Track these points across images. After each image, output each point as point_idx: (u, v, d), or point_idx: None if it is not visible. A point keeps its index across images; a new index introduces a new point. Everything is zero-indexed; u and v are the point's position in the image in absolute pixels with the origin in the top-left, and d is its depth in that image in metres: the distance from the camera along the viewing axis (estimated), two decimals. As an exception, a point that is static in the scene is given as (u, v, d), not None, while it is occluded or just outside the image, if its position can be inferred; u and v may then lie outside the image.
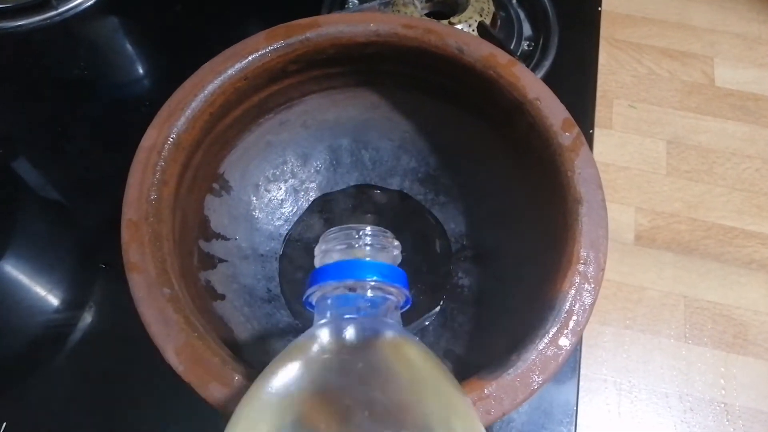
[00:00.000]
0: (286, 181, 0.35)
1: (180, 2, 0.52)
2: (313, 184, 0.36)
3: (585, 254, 0.25)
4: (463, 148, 0.35)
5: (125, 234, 0.26)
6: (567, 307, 0.24)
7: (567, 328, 0.24)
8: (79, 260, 0.39)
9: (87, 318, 0.37)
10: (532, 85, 0.30)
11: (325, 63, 0.34)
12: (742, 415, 0.42)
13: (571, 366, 0.35)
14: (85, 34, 0.51)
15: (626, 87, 0.58)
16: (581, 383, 0.42)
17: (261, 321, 0.30)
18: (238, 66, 0.31)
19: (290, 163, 0.35)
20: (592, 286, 0.25)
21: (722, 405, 0.42)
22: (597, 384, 0.42)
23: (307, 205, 0.35)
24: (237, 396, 0.22)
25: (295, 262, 0.33)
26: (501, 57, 0.31)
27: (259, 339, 0.29)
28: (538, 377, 0.23)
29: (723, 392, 0.43)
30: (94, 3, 0.52)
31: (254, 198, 0.34)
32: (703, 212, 0.51)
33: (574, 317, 0.24)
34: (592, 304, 0.25)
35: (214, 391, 0.23)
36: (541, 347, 0.23)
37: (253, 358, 0.28)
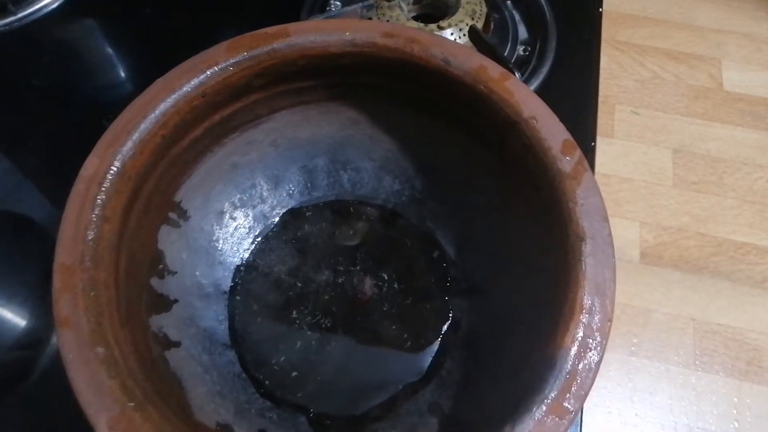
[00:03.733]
0: (254, 207, 0.32)
1: (149, 6, 0.48)
2: (284, 210, 0.32)
3: (589, 302, 0.22)
4: (452, 169, 0.31)
5: (57, 281, 0.22)
6: (569, 367, 0.21)
7: (569, 392, 0.20)
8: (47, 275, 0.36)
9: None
10: (527, 102, 0.27)
11: (296, 76, 0.30)
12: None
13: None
14: (47, 40, 0.48)
15: (629, 92, 0.55)
16: (585, 417, 0.39)
17: (221, 370, 0.27)
18: (194, 82, 0.27)
19: (259, 187, 0.32)
20: (599, 340, 0.21)
21: (737, 441, 0.39)
22: (601, 417, 0.39)
23: (277, 229, 0.31)
24: (179, 480, 0.19)
25: (260, 299, 0.29)
26: (492, 70, 0.28)
27: (218, 394, 0.25)
28: (536, 454, 0.19)
29: (736, 424, 0.40)
30: (57, 8, 0.48)
31: (217, 227, 0.30)
32: (713, 227, 0.48)
33: (578, 379, 0.21)
34: (599, 363, 0.21)
35: (152, 475, 0.19)
36: (539, 416, 0.20)
37: (209, 418, 0.24)
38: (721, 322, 0.43)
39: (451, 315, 0.29)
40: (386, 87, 0.31)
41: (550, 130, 0.26)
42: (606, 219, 0.25)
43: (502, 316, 0.27)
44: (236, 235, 0.31)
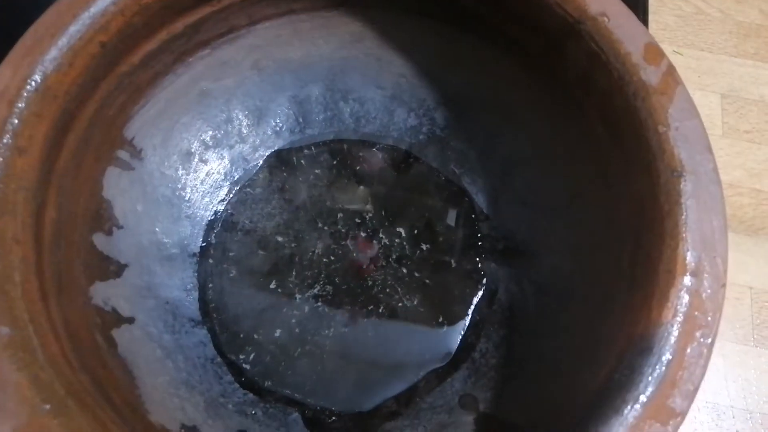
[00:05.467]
0: (231, 147, 0.25)
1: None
2: (270, 151, 0.25)
3: (695, 260, 0.16)
4: (485, 97, 0.24)
5: (-54, 234, 0.16)
6: (672, 352, 0.14)
7: (675, 387, 0.14)
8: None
9: None
10: (595, -5, 0.20)
11: (282, -28, 0.23)
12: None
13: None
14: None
15: (670, 29, 0.48)
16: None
17: (189, 354, 0.20)
18: (146, -29, 0.20)
19: (237, 122, 0.25)
20: (711, 313, 0.15)
21: (803, 427, 0.33)
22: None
23: (261, 175, 0.25)
24: None
25: (241, 263, 0.23)
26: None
27: (183, 385, 0.19)
28: (632, 479, 0.13)
29: (801, 408, 0.34)
30: None
31: (183, 172, 0.24)
32: (769, 182, 0.42)
33: (685, 368, 0.14)
34: (712, 345, 0.15)
35: None
36: (632, 420, 0.14)
37: (170, 418, 0.18)
38: (782, 290, 0.38)
39: (484, 283, 0.23)
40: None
41: (627, 30, 0.19)
42: (709, 149, 0.18)
43: (554, 284, 0.21)
44: (208, 182, 0.24)
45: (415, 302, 0.23)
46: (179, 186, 0.23)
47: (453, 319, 0.22)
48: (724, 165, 0.44)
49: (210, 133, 0.24)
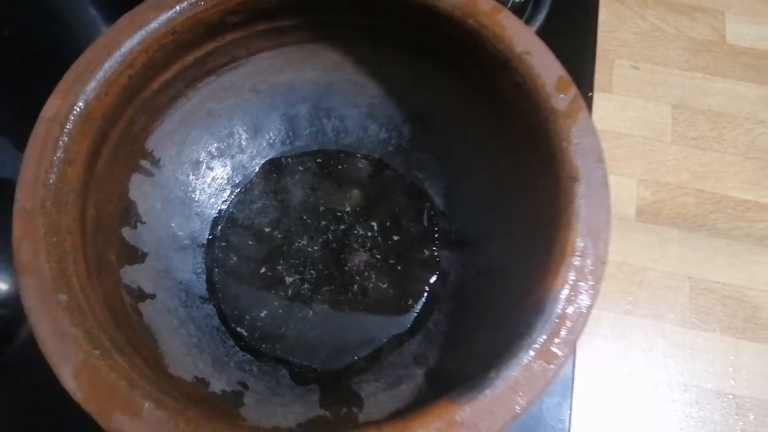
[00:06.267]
0: (233, 157, 0.30)
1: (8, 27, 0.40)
2: (265, 160, 0.30)
3: (582, 244, 0.21)
4: (442, 115, 0.30)
5: (16, 227, 0.21)
6: (558, 311, 0.20)
7: (558, 337, 0.19)
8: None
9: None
10: (520, 37, 0.25)
11: (274, 14, 0.28)
12: (753, 407, 0.38)
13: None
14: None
15: (628, 45, 0.53)
16: (577, 375, 0.39)
17: (199, 324, 0.26)
18: (163, 17, 0.25)
19: (238, 136, 0.30)
20: (591, 284, 0.20)
21: (731, 397, 0.39)
22: (594, 374, 0.38)
23: (257, 179, 0.30)
24: (148, 429, 0.18)
25: (240, 252, 0.28)
26: (483, 3, 0.26)
27: (194, 347, 0.24)
28: (522, 399, 0.18)
29: (732, 383, 0.39)
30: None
31: (193, 177, 0.29)
32: (712, 183, 0.47)
33: (568, 323, 0.19)
34: (590, 307, 0.20)
35: (120, 424, 0.18)
36: (525, 361, 0.19)
37: (185, 371, 0.23)
38: (719, 279, 0.43)
39: (439, 268, 0.28)
40: (371, 27, 0.29)
41: (545, 66, 0.24)
42: (602, 160, 0.23)
43: (491, 266, 0.26)
44: (214, 185, 0.29)
45: (383, 283, 0.28)
46: (190, 189, 0.28)
47: (413, 297, 0.27)
48: (671, 168, 0.48)
49: (215, 145, 0.29)
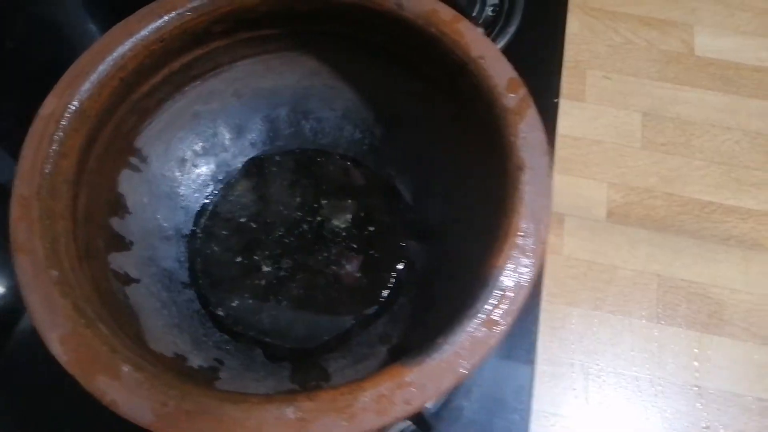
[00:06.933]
0: (217, 155, 0.32)
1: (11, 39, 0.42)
2: (247, 158, 0.33)
3: (525, 226, 0.23)
4: (410, 116, 0.32)
5: (14, 211, 0.23)
6: (502, 284, 0.22)
7: (501, 308, 0.21)
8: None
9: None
10: (476, 43, 0.27)
11: (256, 24, 0.31)
12: (717, 398, 0.40)
13: (525, 349, 0.33)
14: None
15: (601, 57, 0.55)
16: (545, 368, 0.40)
17: (180, 307, 0.28)
18: (152, 26, 0.28)
19: (222, 136, 0.32)
20: (531, 260, 0.22)
21: (696, 388, 0.40)
22: (563, 369, 0.40)
23: (239, 176, 0.32)
24: (126, 389, 0.20)
25: (222, 242, 0.30)
26: (444, 12, 0.28)
27: (175, 327, 0.26)
28: (466, 362, 0.20)
29: (697, 375, 0.41)
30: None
31: (179, 174, 0.31)
32: (680, 187, 0.49)
33: (510, 294, 0.22)
34: (531, 281, 0.22)
35: (100, 384, 0.20)
36: (470, 329, 0.21)
37: (165, 348, 0.25)
38: (685, 277, 0.44)
39: (406, 256, 0.30)
40: (345, 35, 0.31)
41: (497, 69, 0.27)
42: (546, 153, 0.25)
43: (452, 253, 0.28)
44: (198, 181, 0.31)
45: (354, 271, 0.30)
46: (176, 185, 0.31)
47: (381, 282, 0.29)
48: (641, 173, 0.51)
49: (200, 144, 0.32)
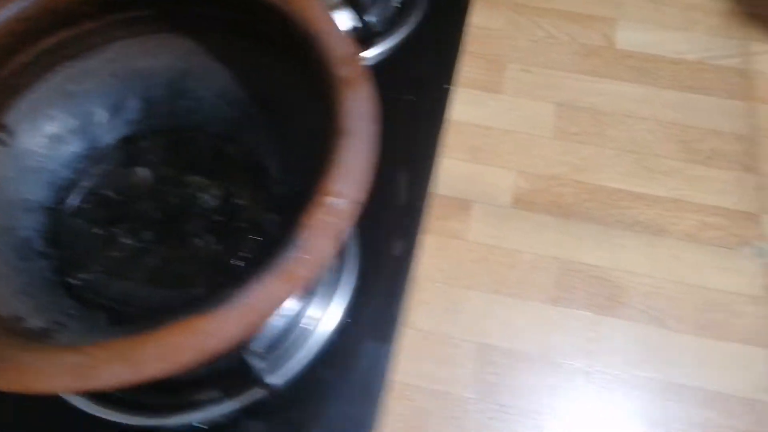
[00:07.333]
0: (91, 133, 0.33)
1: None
2: (120, 137, 0.34)
3: (338, 187, 0.24)
4: (279, 92, 0.33)
5: None
6: (303, 242, 0.22)
7: (302, 263, 0.22)
8: None
9: None
10: (319, 19, 0.28)
11: (124, 5, 0.32)
12: (606, 375, 0.40)
13: (387, 328, 0.33)
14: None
15: (522, 51, 0.56)
16: (445, 349, 0.41)
17: (32, 274, 0.28)
18: (15, 6, 0.29)
19: (97, 115, 0.33)
20: (341, 219, 0.23)
21: (588, 370, 0.41)
22: (458, 350, 0.41)
23: (111, 153, 0.33)
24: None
25: (85, 215, 0.31)
26: (296, -8, 0.29)
27: (22, 293, 0.27)
28: (256, 312, 0.21)
29: (591, 355, 0.41)
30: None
31: (48, 150, 0.32)
32: (590, 175, 0.49)
33: (312, 251, 0.22)
34: (338, 238, 0.23)
35: None
36: (266, 282, 0.22)
37: (5, 309, 0.26)
38: (586, 261, 0.45)
39: (263, 229, 0.31)
40: (216, 17, 0.33)
41: (337, 43, 0.28)
42: (374, 122, 0.26)
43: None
44: (68, 157, 0.32)
45: (212, 242, 0.31)
46: (44, 160, 0.32)
47: (236, 253, 0.30)
48: (551, 162, 0.51)
49: (73, 122, 0.33)
